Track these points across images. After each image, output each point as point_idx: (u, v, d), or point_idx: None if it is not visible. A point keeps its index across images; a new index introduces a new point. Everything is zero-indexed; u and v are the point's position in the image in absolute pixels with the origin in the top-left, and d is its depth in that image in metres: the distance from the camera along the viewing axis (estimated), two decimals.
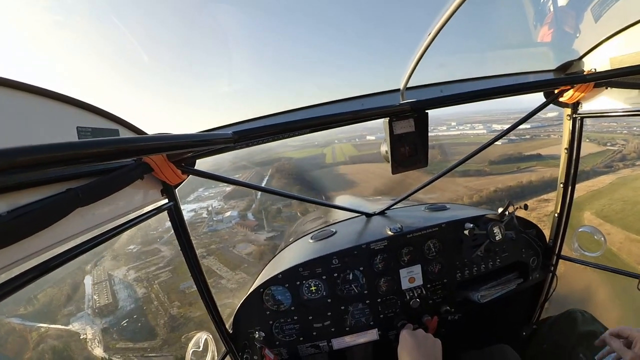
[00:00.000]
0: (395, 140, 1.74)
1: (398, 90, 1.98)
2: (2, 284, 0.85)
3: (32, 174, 0.96)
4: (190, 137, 1.09)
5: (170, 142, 0.97)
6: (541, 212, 24.06)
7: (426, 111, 1.71)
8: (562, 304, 2.66)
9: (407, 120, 1.72)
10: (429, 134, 1.73)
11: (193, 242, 1.97)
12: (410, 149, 1.79)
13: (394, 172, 1.82)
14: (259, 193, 34.22)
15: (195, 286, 2.06)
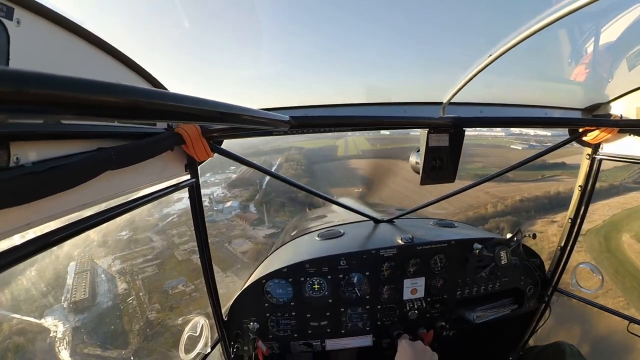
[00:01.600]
0: (430, 152, 1.76)
1: (440, 103, 2.00)
2: (19, 246, 0.75)
3: (64, 125, 0.89)
4: (252, 113, 0.98)
5: (229, 112, 0.83)
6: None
7: (463, 129, 1.73)
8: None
9: (443, 135, 1.74)
10: None
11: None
12: (440, 163, 1.81)
13: (422, 183, 1.84)
14: (265, 183, 34.07)
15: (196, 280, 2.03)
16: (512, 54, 1.65)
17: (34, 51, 0.81)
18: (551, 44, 1.93)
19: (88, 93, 0.44)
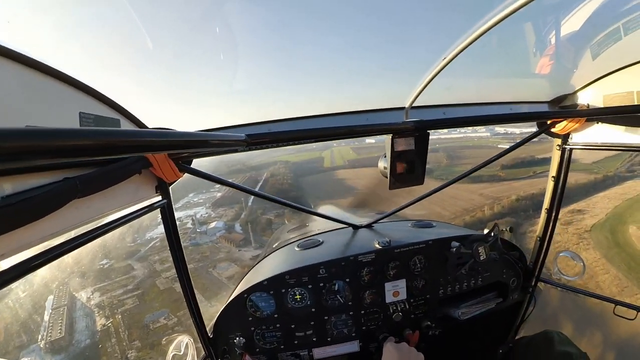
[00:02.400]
0: (396, 156, 1.77)
1: (402, 108, 2.02)
2: None
3: (24, 164, 0.90)
4: (202, 136, 1.04)
5: (182, 140, 0.90)
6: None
7: (428, 131, 1.75)
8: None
9: (408, 139, 1.75)
10: (432, 137, 1.76)
11: (169, 258, 1.94)
12: (408, 167, 1.82)
13: (391, 187, 1.85)
14: (250, 201, 31.88)
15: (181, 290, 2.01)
16: (470, 54, 1.66)
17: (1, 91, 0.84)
18: (511, 40, 1.96)
19: (52, 140, 0.50)
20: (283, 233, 3.58)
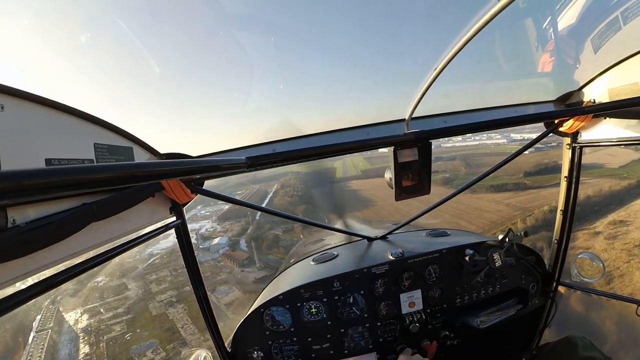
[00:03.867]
0: (400, 168, 1.77)
1: (403, 120, 2.02)
2: (14, 294, 0.86)
3: (49, 195, 0.98)
4: (205, 163, 1.13)
5: (186, 167, 1.01)
6: (626, 240, 18.39)
7: (430, 141, 1.75)
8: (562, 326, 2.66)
9: (411, 149, 1.75)
10: (446, 145, 1.75)
11: (167, 278, 1.99)
12: (413, 177, 1.82)
13: (397, 199, 1.84)
14: (258, 214, 30.69)
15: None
16: (464, 60, 1.67)
17: (20, 129, 0.93)
18: (506, 41, 1.95)
19: (72, 176, 0.61)
20: (300, 247, 3.60)
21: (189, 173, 1.11)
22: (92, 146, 1.20)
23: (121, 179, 0.75)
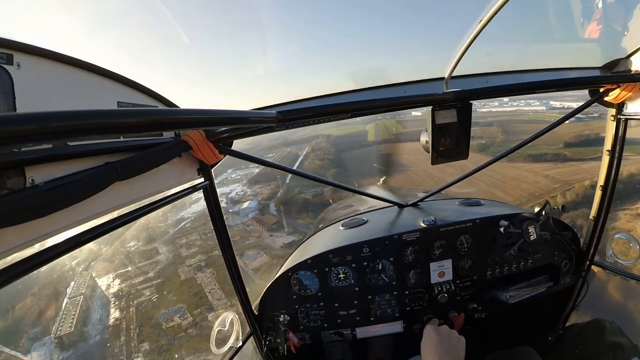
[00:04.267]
0: (437, 130, 1.72)
1: (442, 78, 1.96)
2: (37, 254, 0.86)
3: (72, 146, 0.98)
4: (233, 114, 1.08)
5: (210, 117, 0.96)
6: None
7: (470, 102, 1.68)
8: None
9: (450, 111, 1.70)
10: (482, 110, 1.69)
11: (197, 242, 1.99)
12: (451, 140, 1.77)
13: (433, 162, 1.80)
14: (288, 178, 30.77)
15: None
16: (509, 18, 1.59)
17: (37, 88, 0.91)
18: (554, 1, 1.84)
19: (91, 119, 0.58)
20: (329, 212, 3.59)
21: (215, 123, 1.08)
22: (115, 105, 1.20)
23: (143, 125, 0.72)
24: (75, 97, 1.04)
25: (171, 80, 1.78)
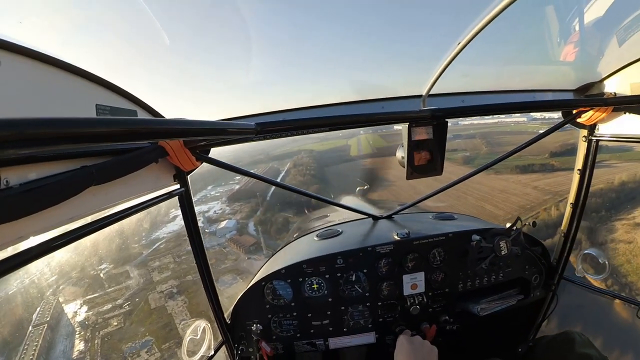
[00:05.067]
0: (413, 146, 1.75)
1: (419, 96, 1.99)
2: (9, 258, 0.85)
3: (47, 149, 0.95)
4: (213, 125, 1.07)
5: (193, 128, 0.96)
6: None
7: (446, 120, 1.72)
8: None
9: (426, 127, 1.73)
10: (463, 122, 1.72)
11: (170, 265, 1.99)
12: (426, 156, 1.80)
13: (408, 177, 1.83)
14: (269, 194, 29.61)
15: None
16: (486, 39, 1.62)
17: (17, 86, 0.89)
18: (531, 24, 1.90)
19: (72, 129, 0.57)
20: (304, 223, 3.60)
21: (195, 134, 1.07)
22: (93, 107, 1.17)
23: (122, 135, 0.70)
24: (53, 98, 1.02)
25: (151, 85, 1.75)
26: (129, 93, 1.37)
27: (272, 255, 2.72)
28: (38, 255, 0.93)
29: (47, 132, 0.51)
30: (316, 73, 2.25)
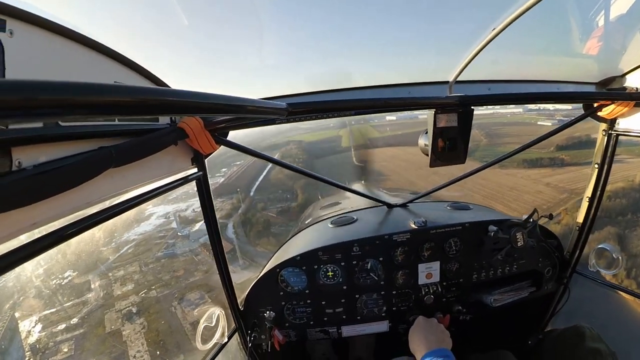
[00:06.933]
0: (438, 133, 1.73)
1: (446, 82, 1.97)
2: (22, 246, 0.79)
3: (63, 127, 0.91)
4: (243, 102, 1.00)
5: (222, 104, 0.86)
6: None
7: (472, 107, 1.70)
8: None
9: (451, 115, 1.70)
10: None
11: (135, 276, 1.95)
12: (450, 144, 1.78)
13: (431, 165, 1.81)
14: (252, 190, 27.79)
15: None
16: (518, 28, 1.60)
17: (30, 59, 0.84)
18: (559, 16, 1.88)
19: (88, 95, 0.50)
20: (315, 210, 3.58)
21: (222, 110, 0.96)
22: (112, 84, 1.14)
23: (149, 106, 0.63)
24: (70, 73, 0.97)
25: (171, 65, 1.73)
26: (149, 72, 1.33)
27: (285, 242, 2.71)
28: (52, 244, 0.88)
29: (59, 98, 0.46)
30: (343, 55, 2.22)
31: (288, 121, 1.69)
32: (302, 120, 1.69)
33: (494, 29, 1.62)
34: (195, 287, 17.45)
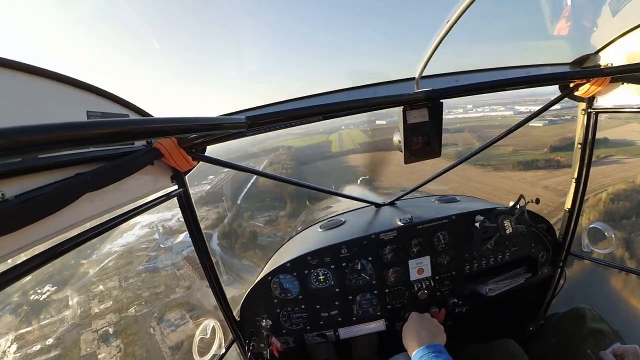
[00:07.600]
0: (409, 129, 1.73)
1: (412, 79, 1.97)
2: (9, 270, 0.85)
3: (41, 159, 0.97)
4: (202, 121, 1.05)
5: (181, 125, 0.93)
6: None
7: (441, 101, 1.70)
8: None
9: (421, 110, 1.71)
10: (447, 117, 1.70)
11: (114, 292, 1.97)
12: (423, 139, 1.78)
13: (406, 162, 1.81)
14: (240, 198, 27.35)
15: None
16: (478, 16, 1.60)
17: (6, 100, 0.90)
18: (525, 2, 1.87)
19: (62, 132, 0.57)
20: (308, 215, 3.60)
21: (185, 131, 1.06)
22: (84, 114, 1.17)
23: (113, 136, 0.70)
24: (43, 109, 1.02)
25: (142, 88, 1.76)
26: (120, 97, 1.37)
27: (277, 250, 2.72)
28: (39, 265, 0.94)
29: (40, 138, 0.52)
30: (306, 63, 2.26)
31: (253, 133, 1.71)
32: (267, 131, 1.71)
33: (447, 21, 1.62)
34: (176, 305, 17.35)
